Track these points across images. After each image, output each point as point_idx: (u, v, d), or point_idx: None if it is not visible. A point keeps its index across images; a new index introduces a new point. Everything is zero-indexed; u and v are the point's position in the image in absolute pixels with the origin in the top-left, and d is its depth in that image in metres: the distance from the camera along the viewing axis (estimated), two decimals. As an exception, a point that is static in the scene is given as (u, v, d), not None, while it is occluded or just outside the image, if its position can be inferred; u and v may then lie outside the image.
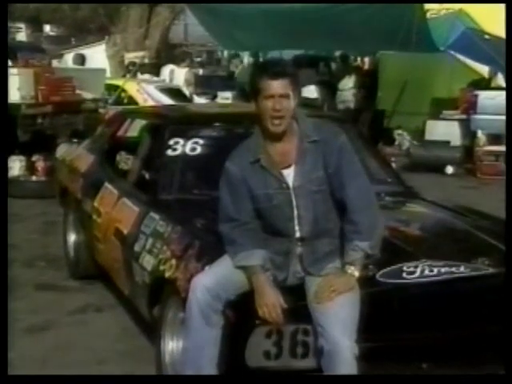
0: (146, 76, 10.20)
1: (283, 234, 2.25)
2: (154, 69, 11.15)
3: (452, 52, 8.79)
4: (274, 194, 2.21)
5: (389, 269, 2.32)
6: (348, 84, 10.30)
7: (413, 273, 2.32)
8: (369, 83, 10.19)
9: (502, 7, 5.23)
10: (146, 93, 8.35)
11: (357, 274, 2.17)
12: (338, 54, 12.68)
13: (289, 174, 2.22)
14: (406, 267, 2.33)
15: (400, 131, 9.09)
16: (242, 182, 2.23)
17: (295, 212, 2.22)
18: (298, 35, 9.21)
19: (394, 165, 5.30)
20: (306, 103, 9.49)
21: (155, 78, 10.23)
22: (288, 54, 11.90)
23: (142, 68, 11.01)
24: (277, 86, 2.15)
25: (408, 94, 9.29)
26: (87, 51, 13.64)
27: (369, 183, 2.27)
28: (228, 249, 2.26)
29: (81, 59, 11.18)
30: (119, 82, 8.64)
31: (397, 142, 9.02)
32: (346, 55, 12.06)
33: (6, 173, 2.96)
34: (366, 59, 12.44)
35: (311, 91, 10.29)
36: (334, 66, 12.36)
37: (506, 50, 4.65)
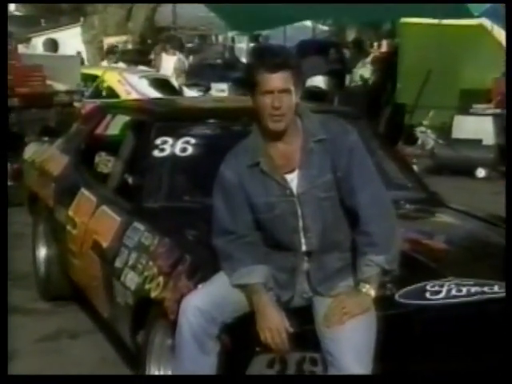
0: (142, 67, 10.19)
1: (287, 247, 2.26)
2: (138, 56, 11.20)
3: (488, 20, 8.76)
4: (277, 203, 2.23)
5: (410, 288, 2.33)
6: (363, 74, 10.33)
7: (438, 293, 2.34)
8: (386, 71, 10.21)
9: None
10: (129, 84, 8.39)
11: (372, 293, 2.18)
12: (350, 38, 12.70)
13: (293, 179, 2.24)
14: (430, 286, 2.35)
15: (423, 128, 9.11)
16: (238, 189, 2.25)
17: (300, 222, 2.24)
18: (311, 4, 9.25)
19: (415, 167, 5.31)
20: (313, 93, 9.53)
21: (142, 68, 10.27)
22: (293, 40, 11.95)
23: (124, 55, 11.06)
24: (276, 79, 2.16)
25: (432, 84, 9.29)
26: (60, 35, 13.68)
27: (383, 188, 2.28)
28: (224, 265, 2.28)
29: (53, 45, 11.21)
30: (98, 72, 8.68)
31: (419, 141, 9.04)
32: (359, 40, 12.08)
33: (6, 176, 3.12)
34: (384, 42, 12.47)
35: (318, 82, 10.33)
36: (347, 52, 12.41)
37: (506, 50, 4.80)
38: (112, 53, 10.17)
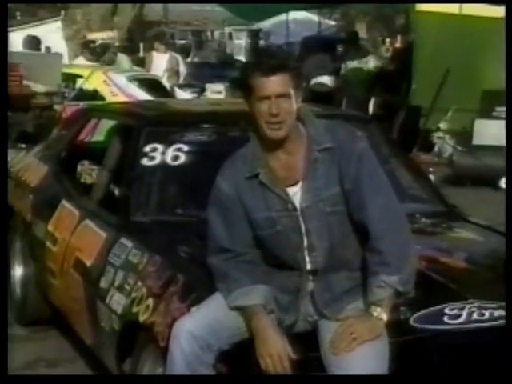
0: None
1: (290, 266, 2.27)
2: (127, 54, 11.24)
3: None
4: (278, 218, 2.24)
5: (426, 311, 2.34)
6: (357, 76, 10.32)
7: (457, 316, 2.35)
8: (400, 69, 10.23)
9: None
10: (115, 85, 8.42)
11: (384, 317, 2.19)
12: (361, 33, 12.71)
13: (296, 193, 2.25)
14: (449, 309, 2.36)
15: (440, 133, 9.12)
16: (236, 203, 2.26)
17: (305, 239, 2.25)
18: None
19: (432, 177, 5.34)
20: (318, 93, 9.54)
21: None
22: (296, 36, 12.02)
23: (109, 52, 11.10)
24: (273, 83, 2.17)
25: (451, 84, 9.30)
26: (38, 30, 13.70)
27: (396, 201, 2.29)
28: (220, 285, 2.28)
29: (35, 43, 11.21)
30: (80, 71, 8.71)
31: (436, 148, 9.06)
32: (355, 33, 12.06)
33: (6, 174, 3.28)
34: (397, 38, 12.51)
35: (325, 82, 10.38)
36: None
37: (506, 50, 5.11)
38: (88, 49, 10.18)
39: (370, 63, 10.56)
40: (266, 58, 2.22)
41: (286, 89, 2.18)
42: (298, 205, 2.24)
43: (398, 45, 12.76)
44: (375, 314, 2.19)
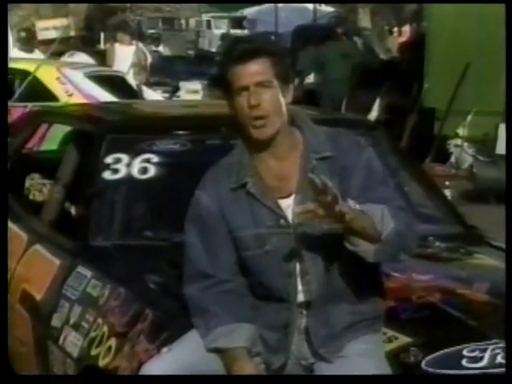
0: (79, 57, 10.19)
1: (279, 297, 2.28)
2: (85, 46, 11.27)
3: None
4: (268, 236, 2.26)
5: (441, 353, 2.35)
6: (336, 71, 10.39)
7: (479, 359, 2.35)
8: (409, 66, 10.30)
9: None
10: (71, 82, 8.43)
11: (346, 210, 2.06)
12: (363, 23, 12.80)
13: (289, 206, 2.27)
14: (468, 351, 2.36)
15: (458, 141, 9.18)
16: (219, 220, 2.27)
17: (297, 263, 2.26)
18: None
19: (448, 192, 5.37)
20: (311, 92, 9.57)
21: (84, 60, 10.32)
22: (287, 25, 12.07)
23: (65, 44, 11.11)
24: (249, 70, 2.19)
25: (470, 84, 9.39)
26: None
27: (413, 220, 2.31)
28: (197, 321, 2.28)
29: None
30: (28, 66, 8.71)
31: (453, 158, 9.11)
32: (345, 20, 12.12)
33: (6, 175, 3.44)
34: (407, 28, 12.60)
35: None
36: (359, 40, 12.53)
37: (506, 51, 5.40)
38: (22, 39, 10.15)
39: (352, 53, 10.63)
40: (238, 44, 2.26)
41: (267, 77, 2.21)
42: (291, 220, 2.26)
43: (407, 35, 12.86)
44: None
